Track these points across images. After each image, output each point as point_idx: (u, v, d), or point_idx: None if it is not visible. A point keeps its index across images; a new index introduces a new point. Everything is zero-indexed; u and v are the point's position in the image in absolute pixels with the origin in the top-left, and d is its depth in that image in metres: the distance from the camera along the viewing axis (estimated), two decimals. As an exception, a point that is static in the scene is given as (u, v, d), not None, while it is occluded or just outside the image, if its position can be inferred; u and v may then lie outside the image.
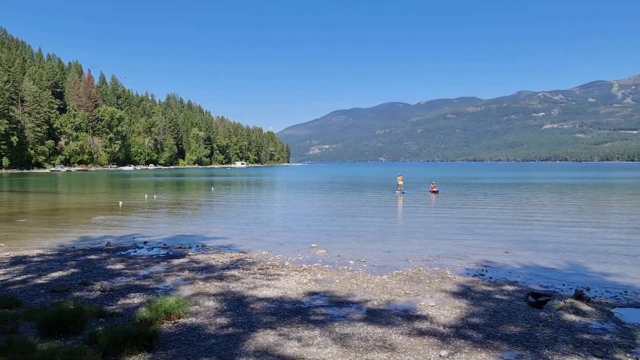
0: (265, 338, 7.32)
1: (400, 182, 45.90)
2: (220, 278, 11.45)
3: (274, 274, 11.95)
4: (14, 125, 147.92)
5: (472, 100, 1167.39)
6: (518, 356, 6.75)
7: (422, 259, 14.38)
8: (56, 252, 15.20)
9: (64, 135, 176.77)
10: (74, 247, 16.31)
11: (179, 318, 8.05)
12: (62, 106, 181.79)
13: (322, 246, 16.47)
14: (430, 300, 9.66)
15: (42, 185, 68.59)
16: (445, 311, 8.90)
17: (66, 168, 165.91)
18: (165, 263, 13.39)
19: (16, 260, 13.72)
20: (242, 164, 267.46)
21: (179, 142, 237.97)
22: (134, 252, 15.50)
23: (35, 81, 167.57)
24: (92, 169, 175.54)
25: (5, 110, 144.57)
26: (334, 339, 7.34)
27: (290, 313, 8.68)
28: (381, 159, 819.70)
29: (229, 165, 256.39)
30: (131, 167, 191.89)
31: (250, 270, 12.45)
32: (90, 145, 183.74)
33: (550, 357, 6.69)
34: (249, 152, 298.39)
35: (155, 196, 41.26)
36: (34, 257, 14.35)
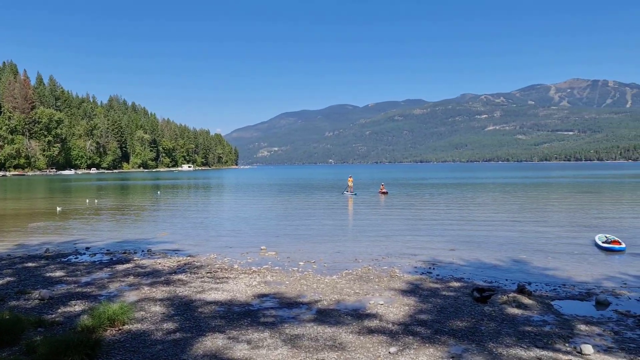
0: (213, 342, 7.18)
1: (351, 184, 46.29)
2: (167, 283, 11.17)
3: (223, 277, 11.77)
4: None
5: (419, 102, 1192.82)
6: (464, 350, 6.91)
7: (371, 259, 14.53)
8: (-10, 261, 14.40)
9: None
10: (9, 255, 15.49)
11: (124, 325, 7.79)
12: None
13: (272, 248, 16.37)
14: (380, 299, 9.76)
15: (-26, 191, 64.93)
16: (394, 309, 9.02)
17: (1, 173, 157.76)
18: (108, 269, 12.94)
19: (-55, 270, 12.90)
20: (189, 167, 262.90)
21: (123, 145, 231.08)
22: (75, 258, 14.90)
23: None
24: (30, 173, 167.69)
25: None
26: (284, 340, 7.29)
27: (240, 316, 8.56)
28: (330, 160, 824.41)
29: (176, 169, 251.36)
30: (72, 171, 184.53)
31: (198, 274, 12.21)
32: (27, 148, 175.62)
33: (494, 350, 6.89)
34: (196, 155, 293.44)
35: (96, 201, 39.86)
36: (-35, 266, 13.54)
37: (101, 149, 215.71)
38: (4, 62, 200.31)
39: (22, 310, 8.68)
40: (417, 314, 8.72)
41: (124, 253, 15.77)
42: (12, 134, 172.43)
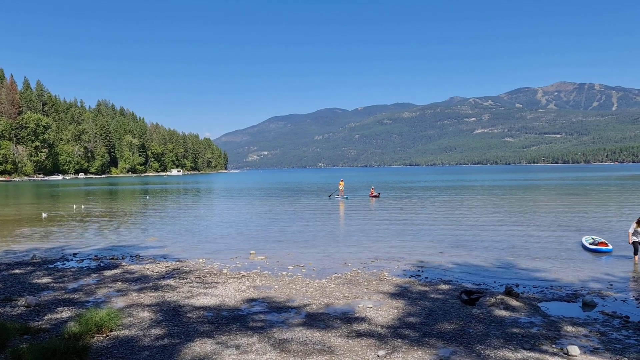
0: (202, 347, 7.16)
1: (342, 188, 46.19)
2: (156, 288, 11.11)
3: (212, 282, 11.74)
4: None
5: (407, 105, 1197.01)
6: (452, 352, 6.94)
7: (360, 262, 14.56)
8: (-24, 268, 14.23)
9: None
10: (-5, 262, 15.32)
11: (111, 331, 7.74)
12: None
13: (261, 252, 16.35)
14: (369, 302, 9.78)
15: (-40, 197, 64.14)
16: (383, 312, 9.04)
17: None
18: (96, 275, 12.85)
19: None
20: (178, 171, 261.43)
21: (112, 150, 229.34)
22: (62, 264, 14.77)
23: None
24: (17, 179, 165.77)
25: None
26: (273, 344, 7.28)
27: (229, 321, 8.54)
28: (320, 164, 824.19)
29: (165, 173, 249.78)
30: (59, 177, 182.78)
31: (186, 279, 12.16)
32: (13, 154, 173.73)
33: (482, 352, 6.93)
34: (185, 160, 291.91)
35: (83, 206, 39.52)
36: (-50, 273, 13.37)
37: (89, 154, 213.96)
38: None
39: (7, 318, 8.59)
40: (406, 316, 8.75)
41: (112, 259, 15.66)
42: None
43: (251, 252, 16.43)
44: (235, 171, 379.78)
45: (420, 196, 46.66)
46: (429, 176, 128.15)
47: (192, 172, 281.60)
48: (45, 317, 8.78)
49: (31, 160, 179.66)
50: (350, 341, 7.43)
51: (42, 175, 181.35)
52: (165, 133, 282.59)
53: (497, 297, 9.85)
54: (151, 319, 8.65)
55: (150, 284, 11.60)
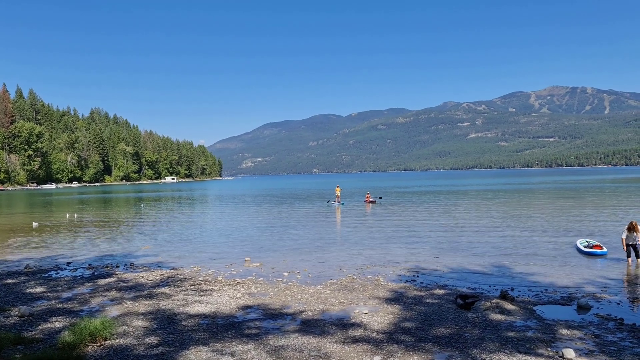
0: (197, 355, 7.12)
1: (338, 193, 46.04)
2: (150, 296, 11.06)
3: (207, 290, 11.69)
4: None
5: (401, 111, 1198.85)
6: (448, 357, 6.94)
7: (355, 268, 14.54)
8: (-32, 278, 14.12)
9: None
10: (-12, 272, 15.21)
11: (106, 340, 7.69)
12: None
13: (256, 259, 16.31)
14: (364, 308, 9.77)
15: (-48, 207, 63.68)
16: (379, 317, 9.03)
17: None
18: (90, 284, 12.77)
19: None
20: (172, 178, 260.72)
21: (105, 158, 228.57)
22: (56, 274, 14.69)
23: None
24: (9, 188, 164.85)
25: None
26: (268, 351, 7.26)
27: (224, 328, 8.50)
28: (315, 170, 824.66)
29: (159, 181, 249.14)
30: (53, 185, 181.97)
31: (181, 286, 12.11)
32: (6, 163, 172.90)
33: (478, 356, 6.93)
34: (179, 167, 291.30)
35: (76, 215, 39.30)
36: (-58, 284, 13.25)
37: (83, 163, 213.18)
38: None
39: (1, 328, 8.53)
40: (401, 322, 8.74)
41: (106, 267, 15.58)
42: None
43: (246, 259, 16.38)
44: (230, 178, 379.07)
45: (415, 201, 46.74)
46: (424, 181, 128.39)
47: (187, 180, 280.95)
48: (39, 326, 8.71)
49: (24, 169, 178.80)
50: (346, 347, 7.41)
51: (35, 184, 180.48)
52: (159, 140, 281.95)
53: (493, 301, 9.86)
54: (146, 327, 8.60)
55: (145, 292, 11.54)
